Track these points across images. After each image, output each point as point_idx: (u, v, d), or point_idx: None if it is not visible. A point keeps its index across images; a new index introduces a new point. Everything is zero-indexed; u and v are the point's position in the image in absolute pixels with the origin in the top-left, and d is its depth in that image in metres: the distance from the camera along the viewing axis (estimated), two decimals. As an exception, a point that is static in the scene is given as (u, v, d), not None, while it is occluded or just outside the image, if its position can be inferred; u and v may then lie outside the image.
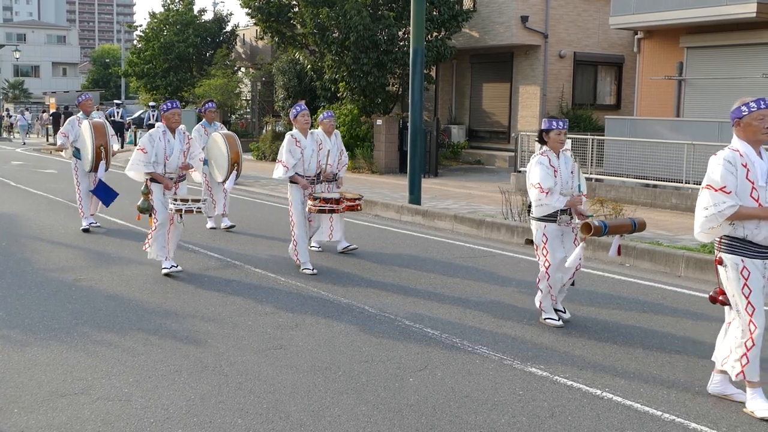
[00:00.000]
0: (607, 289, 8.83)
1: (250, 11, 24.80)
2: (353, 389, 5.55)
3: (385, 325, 7.16)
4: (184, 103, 32.08)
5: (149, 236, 9.08)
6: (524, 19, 22.09)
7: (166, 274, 8.89)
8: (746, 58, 16.46)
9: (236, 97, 30.49)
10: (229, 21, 35.39)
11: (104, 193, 11.56)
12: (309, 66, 24.33)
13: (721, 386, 5.51)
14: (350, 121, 22.46)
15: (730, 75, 16.71)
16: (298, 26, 24.06)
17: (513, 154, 18.93)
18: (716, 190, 5.23)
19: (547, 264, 7.05)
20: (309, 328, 7.04)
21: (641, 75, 18.55)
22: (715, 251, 5.45)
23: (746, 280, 5.21)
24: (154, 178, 8.87)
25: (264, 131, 28.27)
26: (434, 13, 21.70)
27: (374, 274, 9.27)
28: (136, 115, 37.13)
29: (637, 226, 7.03)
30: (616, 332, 7.09)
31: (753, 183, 5.22)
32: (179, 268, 9.03)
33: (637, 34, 18.62)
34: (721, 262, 5.37)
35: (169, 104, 9.08)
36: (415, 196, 14.44)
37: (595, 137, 17.45)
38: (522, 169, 17.83)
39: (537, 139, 7.27)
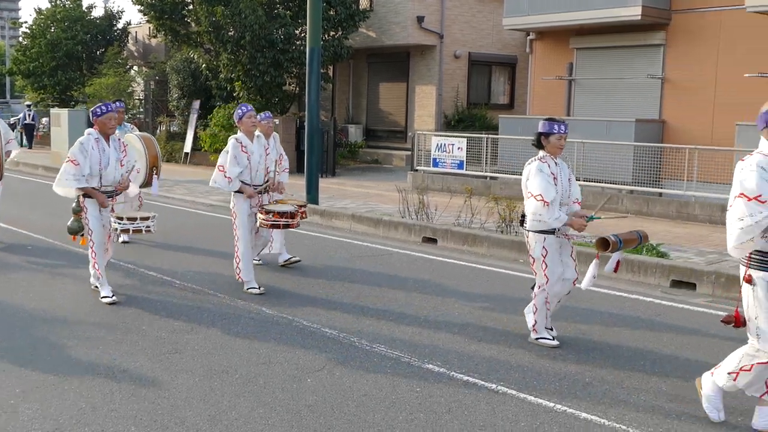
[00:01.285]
0: (501, 286, 9.00)
1: (142, 8, 24.23)
2: (250, 392, 5.49)
3: (283, 327, 7.11)
4: (73, 103, 31.09)
5: (93, 260, 7.84)
6: (420, 19, 22.33)
7: (109, 303, 7.66)
8: (632, 59, 17.08)
9: (129, 96, 29.76)
10: (120, 18, 34.40)
11: None
12: (204, 65, 23.98)
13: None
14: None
15: (618, 75, 17.31)
16: (193, 24, 23.67)
17: (410, 153, 19.09)
18: (751, 199, 4.65)
19: (545, 279, 6.55)
20: (205, 331, 6.92)
21: (533, 75, 19.01)
22: (743, 268, 4.88)
23: None
24: (87, 194, 7.71)
25: (158, 131, 27.72)
26: (331, 12, 21.69)
27: (271, 275, 9.19)
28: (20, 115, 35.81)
29: (642, 239, 6.67)
30: (510, 327, 7.24)
31: None
32: (114, 297, 7.79)
33: (529, 35, 19.07)
34: (750, 280, 4.80)
35: (104, 107, 7.75)
36: (312, 195, 14.40)
37: (490, 136, 17.83)
38: (419, 167, 18.05)
39: (533, 143, 6.59)
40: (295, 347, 6.51)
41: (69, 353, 6.27)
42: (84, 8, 33.83)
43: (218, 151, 22.76)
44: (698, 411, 5.26)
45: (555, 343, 6.63)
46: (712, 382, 5.13)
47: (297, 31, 21.89)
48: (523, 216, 6.69)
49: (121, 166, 7.89)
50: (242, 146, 8.35)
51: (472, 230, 11.45)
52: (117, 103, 11.23)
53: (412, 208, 12.51)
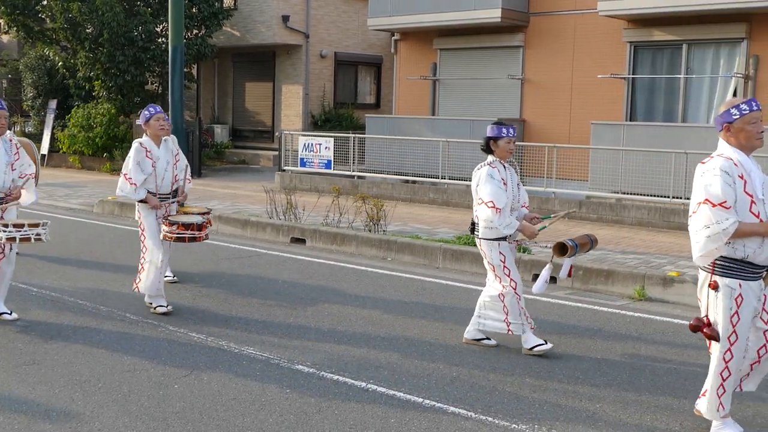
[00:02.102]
0: (370, 284, 9.07)
1: (-8, 3, 23.08)
2: (114, 401, 5.32)
3: (149, 332, 6.94)
4: None
5: None
6: (285, 18, 22.22)
7: None
8: (493, 60, 17.54)
9: (-22, 95, 28.31)
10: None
11: None
12: (60, 63, 23.06)
13: None
14: (108, 121, 21.55)
15: (480, 76, 17.74)
16: (48, 20, 22.68)
17: (277, 153, 18.98)
18: (716, 205, 4.51)
19: (514, 284, 6.37)
20: (65, 339, 6.66)
21: (399, 75, 19.25)
22: (704, 274, 4.78)
23: (738, 307, 4.64)
24: None
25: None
26: (194, 10, 21.28)
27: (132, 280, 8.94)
28: None
29: (594, 243, 6.63)
30: (379, 325, 7.31)
31: (752, 196, 4.58)
32: (14, 315, 7.13)
33: (394, 35, 19.29)
34: (715, 286, 4.69)
35: None
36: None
37: (357, 135, 17.91)
38: (287, 167, 17.96)
39: (482, 147, 6.43)
40: (161, 353, 6.36)
41: None
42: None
43: (77, 152, 22.10)
44: (560, 399, 5.47)
45: (549, 346, 6.41)
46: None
47: (158, 29, 21.37)
48: (473, 223, 6.53)
49: (13, 170, 6.94)
50: (147, 151, 7.54)
51: (340, 230, 11.49)
52: None
53: (280, 209, 12.43)
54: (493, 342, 6.69)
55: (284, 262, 10.21)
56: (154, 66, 21.39)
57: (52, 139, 23.27)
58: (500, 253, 6.36)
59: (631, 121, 15.38)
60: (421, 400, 5.42)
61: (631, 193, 14.18)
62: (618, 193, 14.37)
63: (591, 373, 6.10)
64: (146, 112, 7.66)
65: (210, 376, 5.84)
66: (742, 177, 4.54)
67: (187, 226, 7.45)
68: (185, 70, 18.42)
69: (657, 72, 15.33)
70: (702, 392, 4.96)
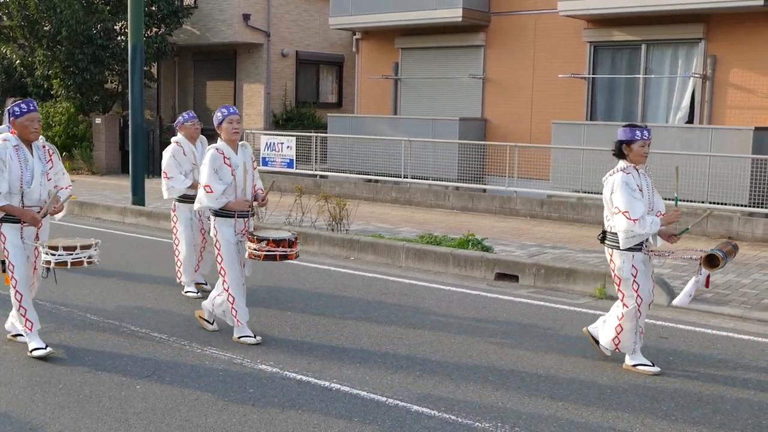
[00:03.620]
0: (333, 284, 9.07)
1: (-55, -1, 22.67)
2: (75, 402, 5.27)
3: (109, 333, 6.87)
4: None
5: (18, 302, 6.09)
6: (246, 17, 22.10)
7: (40, 357, 6.02)
8: (455, 60, 17.61)
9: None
10: None
11: None
12: (18, 61, 22.70)
13: None
14: (67, 120, 21.37)
15: (442, 75, 17.80)
16: (4, 18, 22.33)
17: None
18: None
19: (639, 300, 5.93)
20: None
21: (360, 74, 19.26)
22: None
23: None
24: (6, 217, 5.89)
25: (44, 137, 26.00)
26: (153, 8, 21.10)
27: (97, 280, 8.83)
28: None
29: (736, 249, 6.13)
30: (343, 325, 7.31)
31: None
32: (49, 349, 6.15)
33: (355, 34, 19.29)
34: None
35: (24, 105, 5.88)
36: (138, 197, 14.00)
37: (319, 135, 17.92)
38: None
39: (614, 152, 6.04)
40: (122, 353, 6.31)
41: None
42: None
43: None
44: (522, 397, 5.52)
45: (657, 369, 6.01)
46: None
47: (117, 27, 21.17)
48: (604, 233, 6.10)
49: (48, 179, 6.08)
50: (225, 157, 6.54)
51: (302, 229, 11.46)
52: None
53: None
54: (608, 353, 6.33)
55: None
56: (113, 64, 21.17)
57: (9, 138, 22.92)
58: (633, 266, 5.90)
59: (591, 120, 15.54)
60: (384, 399, 5.44)
61: (592, 192, 14.32)
62: (579, 192, 14.52)
63: (553, 371, 6.16)
64: (219, 114, 6.61)
65: (172, 376, 5.81)
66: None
67: (278, 243, 6.48)
68: (145, 68, 18.21)
69: (617, 72, 15.50)
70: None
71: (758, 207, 12.77)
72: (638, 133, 5.87)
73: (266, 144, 17.90)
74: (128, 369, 5.95)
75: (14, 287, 6.02)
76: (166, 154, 8.24)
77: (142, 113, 14.36)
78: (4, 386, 5.53)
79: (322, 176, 17.30)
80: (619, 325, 6.03)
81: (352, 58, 21.23)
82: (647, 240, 5.91)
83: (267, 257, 6.48)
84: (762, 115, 13.83)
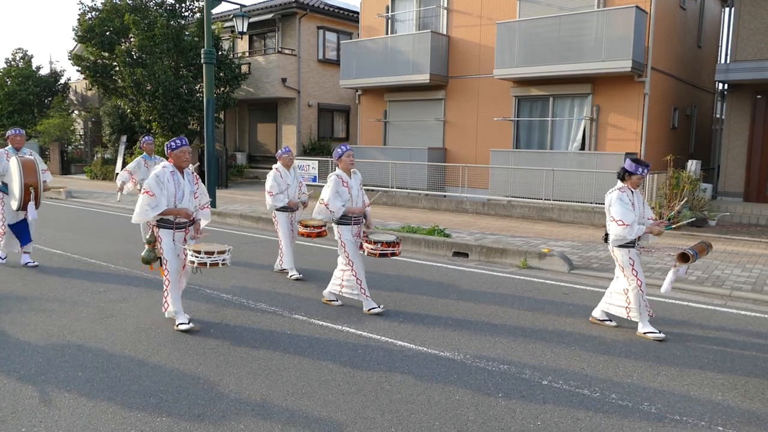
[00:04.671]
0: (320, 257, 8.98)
1: (80, 69, 22.42)
2: (169, 341, 5.23)
3: (202, 296, 6.80)
4: (26, 137, 28.32)
5: (166, 287, 5.64)
6: (284, 80, 21.97)
7: (185, 330, 5.52)
8: (425, 108, 17.55)
9: (72, 132, 27.47)
10: (62, 75, 31.54)
11: (24, 235, 8.11)
12: (128, 110, 22.53)
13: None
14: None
15: (416, 118, 17.74)
16: (119, 81, 22.17)
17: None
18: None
19: (639, 282, 5.57)
20: (134, 300, 6.52)
21: (361, 118, 19.16)
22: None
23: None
24: (163, 223, 5.51)
25: (95, 158, 25.80)
26: (221, 74, 20.99)
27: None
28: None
29: (709, 248, 5.72)
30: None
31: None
32: (191, 325, 5.60)
33: (357, 91, 19.20)
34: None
35: (178, 141, 5.45)
36: (211, 202, 13.90)
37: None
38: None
39: (618, 175, 5.61)
40: (200, 308, 6.25)
41: (27, 322, 5.70)
42: (33, 67, 30.80)
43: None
44: (471, 335, 5.49)
45: (662, 335, 5.52)
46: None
47: (197, 87, 21.03)
48: (606, 234, 5.65)
49: (195, 197, 5.62)
50: (343, 182, 6.20)
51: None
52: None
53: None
54: (613, 323, 5.90)
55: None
56: (194, 112, 21.03)
57: (123, 163, 22.78)
58: (630, 258, 5.56)
59: (516, 148, 15.51)
60: (378, 337, 5.40)
61: (517, 197, 14.32)
62: (509, 197, 14.51)
63: (492, 317, 6.12)
64: (339, 150, 6.24)
65: (236, 323, 5.76)
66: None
67: (389, 244, 6.11)
68: (215, 115, 18.13)
69: (533, 115, 15.49)
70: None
71: (628, 206, 12.76)
72: (640, 169, 5.47)
73: (298, 165, 17.78)
74: (206, 320, 5.90)
75: (166, 277, 5.59)
76: (269, 177, 7.78)
77: (214, 145, 14.27)
78: (120, 331, 5.47)
79: (335, 187, 17.22)
80: (627, 299, 5.65)
81: (356, 107, 21.12)
82: (639, 239, 5.56)
83: (381, 255, 6.07)
84: (629, 145, 13.84)
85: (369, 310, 6.16)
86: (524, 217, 13.68)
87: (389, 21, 17.94)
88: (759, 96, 14.03)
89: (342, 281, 6.34)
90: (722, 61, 17.14)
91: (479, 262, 9.04)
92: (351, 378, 4.46)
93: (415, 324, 5.82)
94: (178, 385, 4.31)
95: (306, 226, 7.01)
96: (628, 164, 5.51)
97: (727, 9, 18.03)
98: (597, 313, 6.01)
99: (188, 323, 5.55)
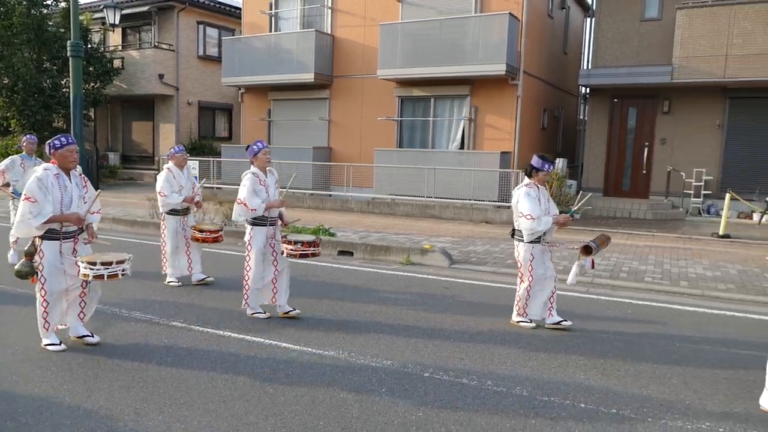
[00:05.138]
0: (229, 262, 8.75)
1: None
2: (29, 359, 4.79)
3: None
4: None
5: (43, 309, 4.96)
6: (161, 76, 20.96)
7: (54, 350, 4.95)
8: (309, 107, 17.46)
9: None
10: None
11: None
12: (-19, 106, 20.56)
13: None
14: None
15: (301, 117, 17.61)
16: (-30, 73, 20.11)
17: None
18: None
19: (531, 279, 5.71)
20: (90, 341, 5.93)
21: (244, 117, 18.73)
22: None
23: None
24: (48, 234, 4.83)
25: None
26: (90, 69, 19.64)
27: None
28: None
29: (608, 240, 5.84)
30: (220, 296, 7.07)
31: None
32: (96, 338, 5.18)
33: (240, 89, 18.73)
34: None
35: (63, 139, 4.89)
36: (81, 205, 12.95)
37: (215, 159, 17.32)
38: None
39: (525, 172, 5.71)
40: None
41: None
42: None
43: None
44: (356, 333, 5.53)
45: (533, 324, 5.79)
46: None
47: (63, 82, 19.52)
48: (513, 230, 5.79)
49: (84, 202, 5.01)
50: (260, 180, 5.90)
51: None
52: (28, 136, 7.08)
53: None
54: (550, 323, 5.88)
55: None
56: (59, 109, 19.51)
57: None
58: (531, 254, 5.66)
59: (400, 148, 15.85)
60: (262, 340, 5.33)
61: (401, 195, 14.64)
62: (393, 195, 14.79)
63: (375, 314, 6.20)
64: (254, 147, 5.89)
65: (104, 337, 5.41)
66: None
67: (310, 244, 5.89)
68: (84, 112, 16.96)
69: (416, 115, 15.89)
70: None
71: (503, 202, 13.49)
72: (546, 165, 5.59)
73: (177, 166, 17.04)
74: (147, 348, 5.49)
75: (42, 296, 4.92)
76: (161, 178, 7.23)
77: (82, 144, 13.31)
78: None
79: (218, 188, 16.69)
80: (518, 295, 5.86)
81: (239, 106, 20.61)
82: (544, 235, 5.68)
83: (302, 255, 5.82)
84: (504, 144, 14.59)
85: (255, 314, 6.00)
86: (408, 214, 14.00)
87: (273, 18, 17.67)
88: (616, 99, 15.32)
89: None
90: (584, 67, 18.55)
91: (364, 260, 9.13)
92: (233, 384, 4.35)
93: (299, 325, 5.77)
94: (40, 405, 3.99)
95: (201, 231, 6.69)
96: (535, 161, 5.61)
97: (588, 19, 19.55)
98: (515, 315, 6.03)
99: (59, 343, 5.01)
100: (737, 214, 13.70)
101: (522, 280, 5.82)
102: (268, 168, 6.00)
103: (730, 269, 8.57)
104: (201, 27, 22.03)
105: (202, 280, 7.36)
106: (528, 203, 5.52)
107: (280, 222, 6.11)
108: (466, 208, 13.63)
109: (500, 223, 12.96)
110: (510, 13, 13.69)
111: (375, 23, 15.81)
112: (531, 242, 5.65)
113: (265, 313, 6.03)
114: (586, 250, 5.53)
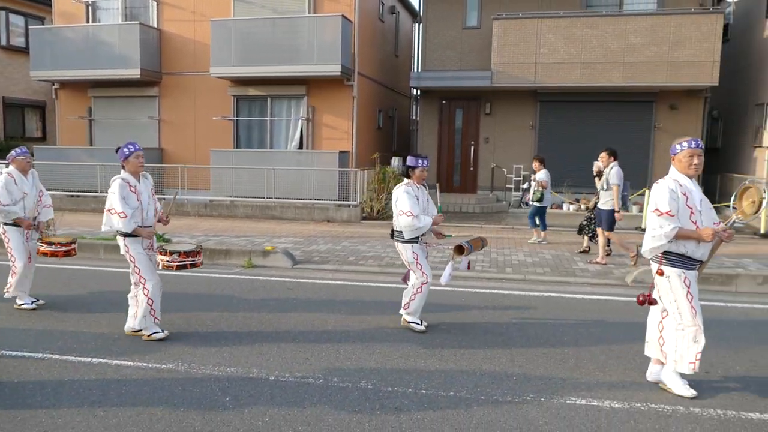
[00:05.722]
0: (64, 275, 7.94)
1: None
2: None
3: None
4: None
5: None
6: (-46, 68, 18.37)
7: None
8: (136, 106, 16.37)
9: None
10: None
11: None
12: None
13: (657, 375, 4.57)
14: None
15: (127, 116, 16.46)
16: None
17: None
18: (662, 214, 4.20)
19: (425, 275, 5.64)
20: None
21: (60, 115, 17.05)
22: (655, 265, 4.38)
23: (689, 288, 4.27)
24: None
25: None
26: None
27: None
28: None
29: (484, 242, 5.97)
30: (50, 307, 6.43)
31: (692, 209, 4.23)
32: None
33: (54, 84, 17.02)
34: (662, 273, 4.31)
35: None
36: None
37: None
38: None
39: (403, 173, 5.71)
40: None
41: None
42: None
43: None
44: (196, 346, 5.31)
45: (422, 328, 5.72)
46: (671, 374, 4.44)
47: None
48: (393, 230, 5.74)
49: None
50: (131, 186, 5.31)
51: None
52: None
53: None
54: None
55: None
56: None
57: None
58: (414, 252, 5.64)
59: (237, 148, 15.45)
60: (89, 360, 4.90)
61: (240, 197, 14.29)
62: (232, 197, 14.39)
63: (218, 321, 6.02)
64: (125, 150, 5.34)
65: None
66: (684, 194, 4.22)
67: (188, 254, 5.44)
68: None
69: (253, 115, 15.59)
70: (656, 359, 4.57)
71: (343, 200, 13.74)
72: (420, 161, 5.64)
73: (-21, 170, 15.05)
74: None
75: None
76: None
77: None
78: None
79: (32, 194, 15.02)
80: (414, 294, 5.74)
81: (53, 103, 18.69)
82: (423, 234, 5.66)
83: (179, 267, 5.40)
84: (342, 144, 14.85)
85: (151, 335, 5.40)
86: (248, 216, 13.72)
87: (90, 8, 16.28)
88: (444, 101, 16.28)
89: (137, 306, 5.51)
90: (415, 69, 19.47)
91: (203, 265, 8.77)
92: (55, 412, 3.96)
93: (133, 339, 5.40)
94: None
95: (50, 244, 5.95)
96: (410, 160, 5.65)
97: (417, 24, 20.53)
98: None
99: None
100: (551, 206, 15.26)
101: (416, 280, 5.72)
102: (141, 173, 5.46)
103: (546, 255, 9.52)
104: (3, 13, 19.67)
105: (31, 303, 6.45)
106: (407, 201, 5.53)
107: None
108: (307, 207, 13.67)
109: (342, 221, 13.18)
110: (343, 15, 13.94)
111: (205, 18, 15.24)
112: (410, 242, 5.64)
113: (163, 331, 5.47)
114: (459, 249, 5.61)
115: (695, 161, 4.23)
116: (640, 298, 4.38)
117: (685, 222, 4.21)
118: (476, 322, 6.06)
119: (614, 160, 8.93)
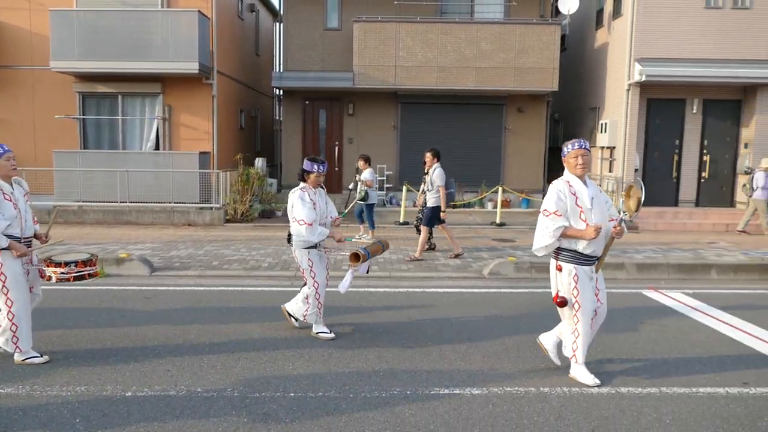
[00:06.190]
0: None
1: None
2: None
3: None
4: None
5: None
6: None
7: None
8: None
9: None
10: None
11: None
12: None
13: (546, 337, 4.93)
14: None
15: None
16: None
17: None
18: (549, 214, 4.36)
19: (317, 285, 5.51)
20: None
21: None
22: (553, 261, 4.54)
23: (576, 283, 4.44)
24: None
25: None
26: None
27: None
28: None
29: (385, 246, 5.73)
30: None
31: (581, 207, 4.37)
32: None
33: None
34: (560, 269, 4.49)
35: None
36: None
37: None
38: None
39: (299, 176, 5.45)
40: None
41: None
42: None
43: None
44: (128, 362, 4.86)
45: (333, 335, 5.58)
46: (575, 366, 4.66)
47: None
48: (290, 235, 5.50)
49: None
50: (4, 194, 4.59)
51: None
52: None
53: None
54: (296, 323, 5.87)
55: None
56: None
57: None
58: (309, 259, 5.46)
59: (85, 149, 14.30)
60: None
61: (90, 201, 13.27)
62: (80, 201, 13.32)
63: (64, 338, 5.54)
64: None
65: None
66: (574, 194, 4.37)
67: (85, 263, 4.91)
68: None
69: (102, 114, 14.50)
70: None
71: (205, 203, 13.24)
72: (316, 166, 5.38)
73: None
74: None
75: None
76: None
77: None
78: None
79: None
80: (307, 300, 5.59)
81: None
82: (323, 240, 5.47)
83: (77, 278, 4.90)
84: (203, 144, 14.31)
85: (24, 359, 4.82)
86: (100, 222, 12.79)
87: None
88: (307, 102, 16.24)
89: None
90: (277, 69, 19.23)
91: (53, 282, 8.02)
92: None
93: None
94: None
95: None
96: (306, 164, 5.43)
97: (277, 24, 20.28)
98: (289, 307, 5.85)
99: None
100: (413, 203, 15.80)
101: (308, 289, 5.60)
102: (14, 178, 4.81)
103: (410, 251, 9.84)
104: None
105: None
106: (302, 207, 5.28)
107: (36, 241, 5.05)
108: (166, 211, 13.00)
109: (204, 225, 12.70)
110: (199, 11, 13.41)
111: (44, 8, 13.94)
112: (307, 248, 5.47)
113: (42, 355, 4.89)
114: (355, 257, 5.42)
115: (580, 161, 4.40)
116: (557, 300, 4.56)
117: (576, 221, 4.37)
118: (344, 323, 6.12)
119: (437, 161, 9.37)
